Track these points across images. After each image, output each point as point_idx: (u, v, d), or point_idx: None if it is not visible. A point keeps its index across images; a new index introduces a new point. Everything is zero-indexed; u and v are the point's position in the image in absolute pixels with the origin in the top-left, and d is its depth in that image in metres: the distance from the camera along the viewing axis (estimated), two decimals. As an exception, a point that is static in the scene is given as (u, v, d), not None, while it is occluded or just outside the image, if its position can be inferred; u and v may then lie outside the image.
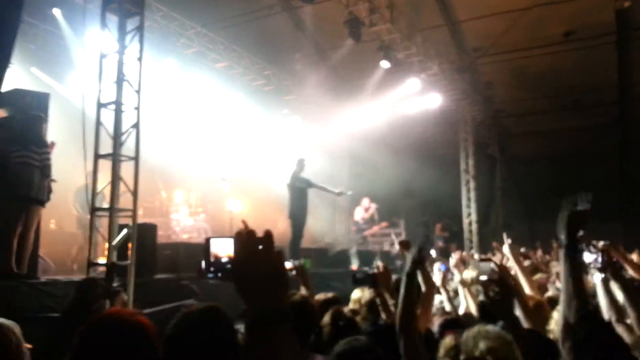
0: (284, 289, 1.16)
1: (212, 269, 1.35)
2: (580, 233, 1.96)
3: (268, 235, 1.16)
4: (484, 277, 3.26)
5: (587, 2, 11.58)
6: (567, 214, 1.95)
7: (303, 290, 3.61)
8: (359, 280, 3.30)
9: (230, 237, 1.25)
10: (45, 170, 5.94)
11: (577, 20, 12.22)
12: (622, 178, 16.15)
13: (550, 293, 3.97)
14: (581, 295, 1.87)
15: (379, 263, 3.58)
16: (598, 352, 1.79)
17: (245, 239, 1.16)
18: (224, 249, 1.34)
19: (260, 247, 1.15)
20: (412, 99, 13.86)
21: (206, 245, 1.36)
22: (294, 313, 2.91)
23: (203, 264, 1.37)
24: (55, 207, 9.04)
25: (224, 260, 1.33)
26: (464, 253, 9.17)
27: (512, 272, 3.91)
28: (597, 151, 15.53)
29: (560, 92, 14.41)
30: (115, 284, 4.54)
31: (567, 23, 12.40)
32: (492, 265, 3.57)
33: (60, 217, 10.59)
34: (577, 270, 1.92)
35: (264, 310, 1.10)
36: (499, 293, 2.61)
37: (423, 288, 3.29)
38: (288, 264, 4.02)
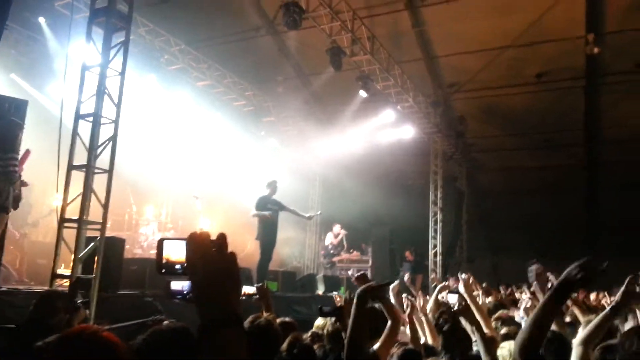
0: (236, 293, 1.13)
1: (164, 270, 1.30)
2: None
3: (222, 237, 1.13)
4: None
5: (561, 46, 12.10)
6: (586, 267, 1.89)
7: (265, 313, 3.64)
8: (325, 313, 3.30)
9: (184, 239, 1.19)
10: (8, 175, 5.74)
11: (550, 62, 12.73)
12: (588, 218, 16.63)
13: (504, 330, 4.06)
14: (541, 335, 1.94)
15: (343, 296, 3.56)
16: None
17: (198, 240, 1.12)
18: (177, 251, 1.28)
19: (214, 249, 1.12)
20: (386, 129, 14.19)
21: (159, 246, 1.31)
22: (259, 336, 2.97)
23: (159, 267, 1.30)
24: (22, 215, 8.96)
25: (177, 264, 1.28)
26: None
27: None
28: (564, 190, 16.00)
29: (530, 131, 14.91)
30: (79, 300, 4.49)
31: (541, 65, 12.90)
32: (457, 298, 3.62)
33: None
34: (551, 314, 1.96)
35: (215, 314, 1.08)
36: (451, 325, 2.72)
37: (389, 320, 3.33)
38: (251, 289, 4.03)
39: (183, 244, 1.20)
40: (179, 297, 2.30)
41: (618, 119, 13.95)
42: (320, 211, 13.69)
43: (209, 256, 1.11)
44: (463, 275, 4.82)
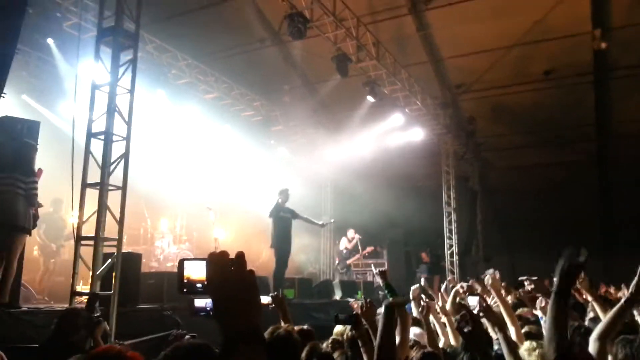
0: (256, 310, 1.16)
1: (185, 290, 1.35)
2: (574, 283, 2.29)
3: (240, 256, 1.16)
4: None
5: (567, 42, 12.04)
6: (566, 265, 2.14)
7: (282, 323, 3.66)
8: (341, 321, 3.30)
9: (203, 259, 1.23)
10: (30, 199, 5.93)
11: (557, 59, 12.68)
12: (602, 214, 16.47)
13: (526, 329, 4.05)
14: (562, 335, 2.09)
15: (360, 301, 3.57)
16: None
17: (217, 260, 1.16)
18: (197, 271, 1.33)
19: (232, 268, 1.15)
20: (396, 132, 14.19)
21: (180, 266, 1.35)
22: (279, 346, 3.00)
23: (180, 287, 1.36)
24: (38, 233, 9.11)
25: (198, 282, 1.33)
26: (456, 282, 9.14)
27: (495, 306, 3.97)
28: (577, 187, 15.86)
29: (540, 128, 14.83)
30: (96, 314, 4.56)
31: (548, 62, 12.85)
32: (478, 300, 3.61)
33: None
34: (562, 314, 2.13)
35: (236, 332, 1.11)
36: (472, 328, 2.72)
37: (398, 320, 3.35)
38: (267, 298, 4.05)
39: (203, 263, 1.25)
40: (202, 313, 2.35)
41: (628, 113, 13.84)
42: (334, 219, 13.73)
43: (228, 274, 1.15)
44: (490, 271, 4.79)
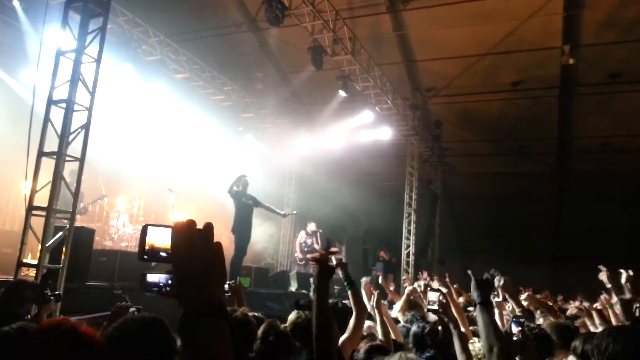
0: (221, 283, 1.11)
1: (146, 257, 1.28)
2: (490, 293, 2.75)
3: (208, 226, 1.11)
4: (432, 307, 3.40)
5: (537, 55, 12.34)
6: (478, 280, 2.65)
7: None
8: (302, 306, 3.30)
9: (169, 226, 1.18)
10: None
11: (526, 71, 12.98)
12: (556, 225, 17.00)
13: (471, 328, 4.15)
14: (498, 336, 2.44)
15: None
16: None
17: (184, 228, 1.10)
18: (161, 238, 1.26)
19: (200, 238, 1.10)
20: (365, 129, 14.25)
21: (143, 232, 1.28)
22: (236, 328, 2.95)
23: (141, 253, 1.28)
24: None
25: (162, 250, 1.26)
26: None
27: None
28: (534, 197, 16.34)
29: (504, 138, 15.16)
30: (48, 292, 4.37)
31: (517, 73, 13.13)
32: (439, 295, 3.64)
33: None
34: (491, 319, 2.51)
35: (199, 304, 1.05)
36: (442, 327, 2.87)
37: (354, 311, 3.35)
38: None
39: (168, 231, 1.19)
40: (154, 289, 2.26)
41: (589, 130, 14.28)
42: (296, 211, 13.70)
43: (195, 245, 1.09)
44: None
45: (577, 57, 11.49)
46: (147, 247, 1.28)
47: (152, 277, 2.36)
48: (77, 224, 6.75)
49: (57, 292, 4.78)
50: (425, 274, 6.04)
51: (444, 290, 4.53)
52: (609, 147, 14.41)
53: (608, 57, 12.06)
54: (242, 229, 9.59)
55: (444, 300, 3.39)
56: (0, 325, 3.83)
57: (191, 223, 1.11)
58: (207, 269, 1.08)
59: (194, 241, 1.09)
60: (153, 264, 1.27)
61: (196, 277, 1.07)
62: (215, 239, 1.15)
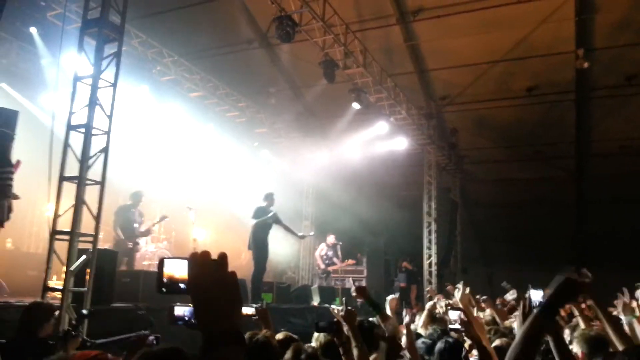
0: (237, 311, 1.16)
1: (164, 289, 1.31)
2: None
3: (222, 257, 1.16)
4: (454, 326, 3.35)
5: (551, 60, 12.26)
6: (565, 280, 1.89)
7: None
8: (321, 328, 3.28)
9: (185, 258, 1.23)
10: (3, 190, 5.77)
11: (540, 76, 12.89)
12: (576, 230, 16.74)
13: (497, 342, 4.05)
14: (533, 351, 1.85)
15: (340, 308, 3.53)
16: None
17: (199, 260, 1.15)
18: (178, 270, 1.30)
19: (214, 268, 1.14)
20: (380, 140, 14.23)
21: (160, 265, 1.32)
22: (256, 352, 2.95)
23: (159, 286, 1.31)
24: (13, 226, 8.83)
25: (180, 282, 1.29)
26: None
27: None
28: (554, 202, 16.12)
29: (521, 143, 15.06)
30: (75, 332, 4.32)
31: (531, 79, 13.05)
32: (460, 314, 3.60)
33: (18, 237, 10.31)
34: (538, 332, 1.86)
35: (216, 333, 1.09)
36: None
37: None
38: (250, 309, 3.99)
39: (184, 262, 1.24)
40: (180, 322, 2.29)
41: (606, 133, 14.11)
42: (313, 232, 13.73)
43: (210, 275, 1.14)
44: (459, 286, 4.83)
45: (592, 60, 11.41)
46: (165, 280, 1.31)
47: (178, 310, 2.39)
48: (100, 245, 6.81)
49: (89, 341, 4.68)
50: (450, 287, 5.99)
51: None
52: (627, 150, 14.20)
53: (623, 60, 11.93)
54: (260, 246, 9.62)
55: (465, 319, 3.36)
56: (25, 350, 3.87)
57: (205, 254, 1.16)
58: (222, 299, 1.13)
59: (208, 272, 1.14)
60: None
61: (212, 306, 1.12)
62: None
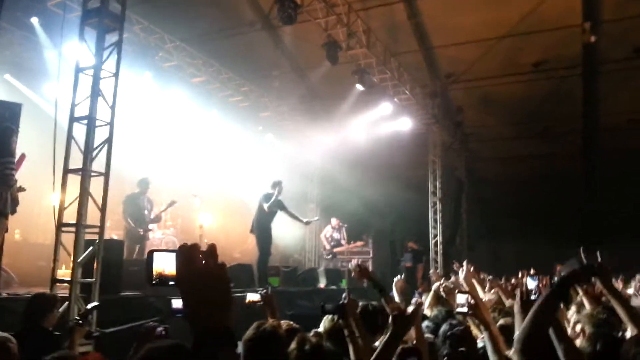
0: (227, 307, 1.10)
1: (154, 282, 1.25)
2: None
3: (211, 249, 1.10)
4: (462, 310, 3.35)
5: (557, 35, 12.03)
6: (584, 267, 2.07)
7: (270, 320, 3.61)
8: (327, 310, 3.22)
9: (173, 251, 1.17)
10: (6, 179, 5.76)
11: (546, 51, 12.68)
12: (584, 206, 16.67)
13: (501, 322, 4.04)
14: (542, 330, 1.93)
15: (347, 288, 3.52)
16: None
17: (187, 252, 1.10)
18: (168, 264, 1.23)
19: (204, 261, 1.09)
20: (384, 121, 14.15)
21: (149, 258, 1.25)
22: (264, 342, 2.96)
23: (149, 278, 1.26)
24: (21, 217, 8.90)
25: (169, 276, 1.23)
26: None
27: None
28: (561, 178, 16.01)
29: (528, 120, 14.89)
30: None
31: (538, 54, 12.84)
32: (467, 297, 3.58)
33: (26, 228, 10.40)
34: (551, 310, 1.95)
35: (207, 330, 1.05)
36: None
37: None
38: (256, 296, 3.99)
39: (173, 256, 1.18)
40: (179, 315, 2.30)
41: (615, 107, 13.94)
42: (318, 217, 13.78)
43: (197, 269, 1.08)
44: (464, 266, 4.83)
45: (599, 33, 11.19)
46: (155, 273, 1.25)
47: (176, 303, 2.40)
48: (107, 234, 6.87)
49: (96, 334, 4.73)
50: (457, 264, 5.98)
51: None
52: (636, 123, 14.02)
53: (632, 32, 11.68)
54: (262, 230, 9.68)
55: (472, 302, 3.35)
56: (26, 337, 3.92)
57: (194, 246, 1.10)
58: (210, 294, 1.08)
59: (195, 265, 1.08)
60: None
61: (199, 302, 1.07)
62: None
